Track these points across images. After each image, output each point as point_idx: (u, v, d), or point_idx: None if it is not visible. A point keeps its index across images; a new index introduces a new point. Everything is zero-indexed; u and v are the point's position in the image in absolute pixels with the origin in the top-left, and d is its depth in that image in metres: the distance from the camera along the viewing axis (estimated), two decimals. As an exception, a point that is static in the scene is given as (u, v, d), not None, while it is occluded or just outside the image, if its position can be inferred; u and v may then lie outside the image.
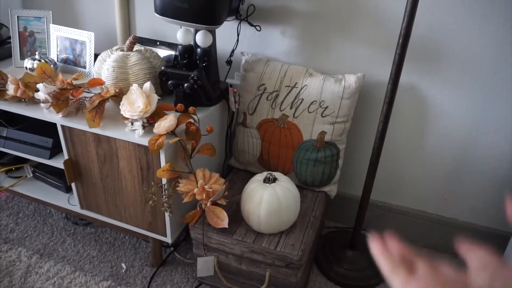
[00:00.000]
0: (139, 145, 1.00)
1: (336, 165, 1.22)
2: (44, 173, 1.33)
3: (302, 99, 1.18)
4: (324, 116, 1.17)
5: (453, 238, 1.36)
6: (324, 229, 1.42)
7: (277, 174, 1.06)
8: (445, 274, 0.32)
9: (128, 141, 1.01)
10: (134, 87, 1.00)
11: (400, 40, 0.93)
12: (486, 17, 1.04)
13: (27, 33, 1.38)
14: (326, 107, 1.16)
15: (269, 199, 0.99)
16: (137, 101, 0.98)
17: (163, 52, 1.33)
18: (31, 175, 1.37)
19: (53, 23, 1.36)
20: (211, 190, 1.01)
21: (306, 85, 1.18)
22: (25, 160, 1.38)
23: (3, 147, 1.25)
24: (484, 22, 1.04)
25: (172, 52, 1.32)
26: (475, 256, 0.33)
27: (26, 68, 1.27)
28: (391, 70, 0.98)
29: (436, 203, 1.32)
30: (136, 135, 0.99)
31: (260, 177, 1.06)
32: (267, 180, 1.04)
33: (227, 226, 0.99)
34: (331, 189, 1.25)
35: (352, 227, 1.25)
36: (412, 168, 1.30)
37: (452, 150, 1.23)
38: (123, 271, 1.22)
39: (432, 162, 1.27)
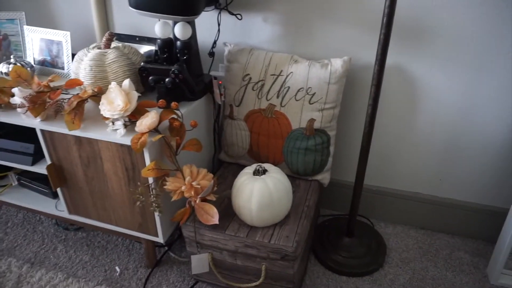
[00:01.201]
0: (122, 145, 0.97)
1: (328, 152, 1.20)
2: (30, 180, 1.30)
3: (289, 87, 1.15)
4: (312, 103, 1.14)
5: (450, 218, 1.36)
6: (319, 218, 1.41)
7: (267, 166, 1.04)
8: None
9: (110, 142, 0.98)
10: (113, 85, 0.96)
11: (384, 20, 0.90)
12: (471, -10, 1.01)
13: (0, 37, 1.33)
14: (314, 94, 1.13)
15: (260, 192, 0.97)
16: (117, 99, 0.95)
17: (144, 48, 1.29)
18: (16, 182, 1.34)
19: (27, 25, 1.31)
20: (199, 186, 0.98)
21: (292, 72, 1.15)
22: (9, 168, 1.34)
23: (-16, 156, 1.21)
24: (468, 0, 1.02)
25: (153, 47, 1.27)
26: None
27: (1, 73, 1.22)
28: (376, 51, 0.95)
29: (431, 184, 1.31)
30: (118, 134, 0.96)
31: (249, 169, 1.04)
32: (256, 173, 1.01)
33: (217, 223, 0.97)
34: (324, 177, 1.23)
35: (348, 213, 1.23)
36: (405, 150, 1.28)
37: (444, 129, 1.21)
38: (117, 274, 1.20)
39: (424, 142, 1.25)
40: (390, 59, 1.15)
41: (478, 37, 1.05)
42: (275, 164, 1.22)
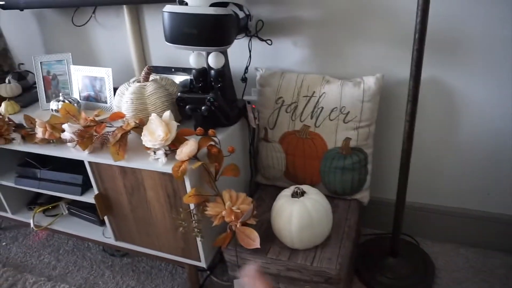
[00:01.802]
0: (163, 173, 1.01)
1: (365, 170, 1.18)
2: (78, 209, 1.37)
3: (322, 107, 1.15)
4: (347, 122, 1.13)
5: (504, 234, 1.28)
6: (361, 238, 1.37)
7: (305, 187, 1.04)
8: None
9: (152, 171, 1.02)
10: (153, 116, 1.01)
11: (417, 36, 0.89)
12: (505, 0, 0.98)
13: (50, 77, 1.44)
14: (348, 113, 1.13)
15: (299, 214, 0.97)
16: (157, 130, 0.99)
17: (180, 78, 1.35)
18: (67, 212, 1.42)
19: (73, 64, 1.42)
20: (239, 210, 0.99)
21: (324, 92, 1.15)
22: (60, 199, 1.43)
23: (38, 188, 1.30)
24: (502, 5, 0.99)
25: (188, 77, 1.33)
26: None
27: (52, 110, 1.32)
28: (410, 67, 0.94)
29: (479, 199, 1.24)
30: (159, 163, 1.00)
31: (287, 192, 1.04)
32: (295, 195, 1.01)
33: (259, 246, 0.97)
34: (363, 196, 1.21)
35: (391, 232, 1.20)
36: (447, 165, 1.24)
37: (487, 142, 1.16)
38: (163, 299, 1.22)
39: (467, 156, 1.20)
40: (425, 73, 1.13)
41: (518, 44, 1.02)
42: (312, 184, 1.21)
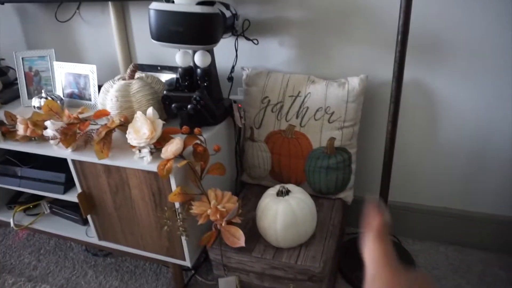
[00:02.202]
0: (148, 172, 1.00)
1: (350, 170, 1.20)
2: (61, 208, 1.35)
3: (307, 107, 1.17)
4: (331, 122, 1.15)
5: (482, 232, 1.32)
6: (345, 236, 1.39)
7: (290, 186, 1.05)
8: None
9: (137, 169, 1.01)
10: (138, 114, 1.00)
11: (399, 37, 0.92)
12: (485, 4, 1.01)
13: (32, 73, 1.42)
14: (332, 113, 1.14)
15: (284, 212, 0.97)
16: (142, 128, 0.99)
17: (166, 76, 1.34)
18: (48, 211, 1.39)
19: (56, 60, 1.39)
20: (224, 209, 0.99)
21: (310, 92, 1.17)
22: (41, 197, 1.40)
23: (19, 187, 1.27)
24: (484, 10, 1.02)
25: (174, 75, 1.33)
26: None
27: (34, 107, 1.30)
28: (393, 68, 0.96)
29: (458, 198, 1.28)
30: (144, 162, 0.99)
31: (272, 191, 1.05)
32: (280, 194, 1.02)
33: (244, 245, 0.98)
34: (347, 195, 1.23)
35: (373, 231, 1.22)
36: (428, 165, 1.27)
37: (467, 142, 1.19)
38: (146, 299, 1.21)
39: (448, 156, 1.23)
40: (407, 75, 1.15)
41: (496, 50, 1.05)
42: (297, 184, 1.22)
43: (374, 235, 0.42)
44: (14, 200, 1.46)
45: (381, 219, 0.45)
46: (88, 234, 1.27)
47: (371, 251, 0.43)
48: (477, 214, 1.27)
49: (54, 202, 1.38)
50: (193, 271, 1.29)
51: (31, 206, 1.41)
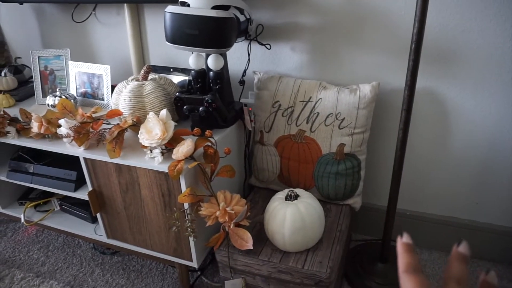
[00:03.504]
0: (159, 172, 1.01)
1: (358, 176, 1.20)
2: (71, 205, 1.37)
3: (318, 113, 1.17)
4: (342, 128, 1.15)
5: (492, 244, 1.30)
6: (351, 243, 1.39)
7: (298, 191, 1.05)
8: None
9: (148, 169, 1.02)
10: (151, 115, 1.02)
11: (413, 46, 0.92)
12: (500, 13, 1.01)
13: (47, 72, 1.44)
14: (343, 119, 1.15)
15: (292, 217, 0.98)
16: (155, 128, 1.00)
17: (178, 78, 1.36)
18: (58, 208, 1.41)
19: (71, 60, 1.42)
20: (233, 211, 1.00)
21: (321, 98, 1.17)
22: (52, 194, 1.42)
23: (31, 183, 1.29)
24: (499, 19, 1.02)
25: (186, 77, 1.34)
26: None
27: (48, 105, 1.32)
28: (406, 76, 0.96)
29: (467, 208, 1.27)
30: (155, 162, 1.00)
31: (281, 195, 1.05)
32: (289, 198, 1.02)
33: (252, 248, 0.98)
34: (355, 202, 1.22)
35: (381, 238, 1.21)
36: (438, 174, 1.26)
37: (478, 152, 1.18)
38: (152, 298, 1.22)
39: (459, 166, 1.22)
40: (420, 83, 1.15)
41: (508, 60, 1.05)
42: (305, 188, 1.23)
43: None
44: (25, 196, 1.48)
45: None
46: (96, 232, 1.29)
47: None
48: (486, 225, 1.26)
49: (64, 199, 1.39)
50: (199, 272, 1.29)
51: (41, 203, 1.43)
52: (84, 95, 1.39)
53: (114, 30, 1.52)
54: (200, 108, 1.09)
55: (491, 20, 1.02)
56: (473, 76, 1.10)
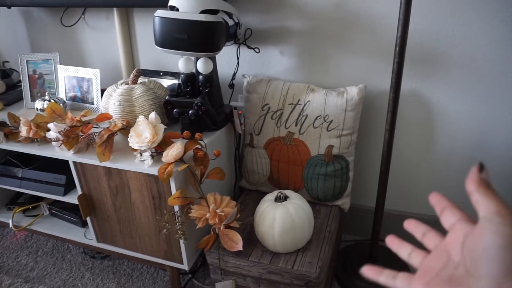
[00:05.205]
0: (149, 175, 1.02)
1: (347, 177, 1.22)
2: (60, 209, 1.36)
3: (307, 115, 1.19)
4: (330, 130, 1.17)
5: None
6: (341, 243, 1.40)
7: (288, 192, 1.06)
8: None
9: (138, 172, 1.03)
10: (141, 118, 1.02)
11: (397, 49, 0.94)
12: (482, 18, 1.04)
13: (36, 76, 1.44)
14: (331, 121, 1.17)
15: (282, 218, 0.99)
16: (144, 132, 1.00)
17: (167, 82, 1.36)
18: (48, 212, 1.40)
19: (60, 64, 1.41)
20: (223, 213, 1.01)
21: (309, 101, 1.19)
22: (41, 198, 1.41)
23: (19, 187, 1.28)
24: (481, 23, 1.05)
25: (176, 81, 1.35)
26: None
27: (37, 109, 1.31)
28: (391, 79, 0.98)
29: (453, 208, 1.30)
30: (145, 165, 1.01)
31: (271, 196, 1.06)
32: (278, 199, 1.03)
33: (242, 249, 0.99)
34: (344, 202, 1.24)
35: (370, 239, 1.23)
36: (424, 174, 1.29)
37: (462, 153, 1.21)
38: (143, 302, 1.22)
39: (444, 165, 1.25)
40: (405, 85, 1.18)
41: (493, 62, 1.08)
42: (295, 190, 1.24)
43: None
44: (14, 201, 1.47)
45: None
46: (86, 236, 1.28)
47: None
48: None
49: (53, 204, 1.39)
50: (190, 275, 1.30)
51: (30, 208, 1.42)
52: (74, 99, 1.39)
53: (103, 34, 1.52)
54: (190, 111, 1.10)
55: (473, 24, 1.06)
56: (457, 79, 1.13)
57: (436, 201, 0.34)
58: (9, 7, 1.48)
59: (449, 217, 0.33)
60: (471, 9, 1.04)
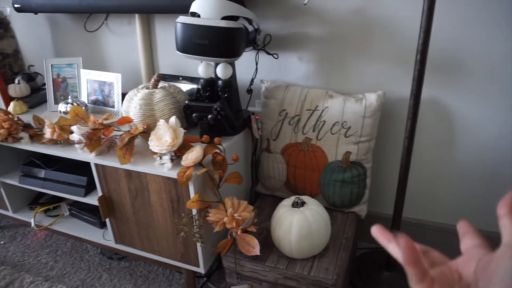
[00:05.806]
0: (168, 178, 1.03)
1: (364, 184, 1.21)
2: (80, 210, 1.39)
3: (324, 121, 1.19)
4: (348, 136, 1.17)
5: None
6: (357, 251, 1.39)
7: (305, 198, 1.06)
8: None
9: (157, 175, 1.04)
10: (161, 122, 1.04)
11: (418, 57, 0.94)
12: (501, 25, 1.03)
13: (60, 79, 1.48)
14: (349, 127, 1.16)
15: (299, 223, 0.99)
16: (165, 135, 1.02)
17: (186, 86, 1.38)
18: (68, 213, 1.43)
19: (83, 68, 1.45)
20: (240, 218, 1.01)
21: (327, 107, 1.19)
22: (61, 199, 1.45)
23: (42, 188, 1.32)
24: (501, 31, 1.03)
25: (195, 86, 1.37)
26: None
27: (60, 111, 1.35)
28: (411, 86, 0.98)
29: (476, 218, 1.27)
30: (165, 168, 1.02)
31: (288, 202, 1.06)
32: (295, 205, 1.04)
33: (259, 253, 0.99)
34: (361, 209, 1.23)
35: (387, 247, 1.22)
36: (444, 182, 1.27)
37: (484, 161, 1.19)
38: (159, 304, 1.23)
39: (465, 174, 1.23)
40: (425, 92, 1.17)
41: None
42: (312, 196, 1.24)
43: None
44: (36, 201, 1.51)
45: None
46: (105, 237, 1.30)
47: None
48: (492, 234, 1.26)
49: (73, 205, 1.42)
50: (205, 278, 1.30)
51: (51, 208, 1.46)
52: (95, 102, 1.42)
53: (125, 39, 1.56)
54: (209, 116, 1.11)
55: (493, 32, 1.04)
56: (477, 86, 1.11)
57: (462, 227, 0.36)
58: (36, 13, 1.53)
59: (468, 241, 0.34)
60: (491, 17, 1.03)
